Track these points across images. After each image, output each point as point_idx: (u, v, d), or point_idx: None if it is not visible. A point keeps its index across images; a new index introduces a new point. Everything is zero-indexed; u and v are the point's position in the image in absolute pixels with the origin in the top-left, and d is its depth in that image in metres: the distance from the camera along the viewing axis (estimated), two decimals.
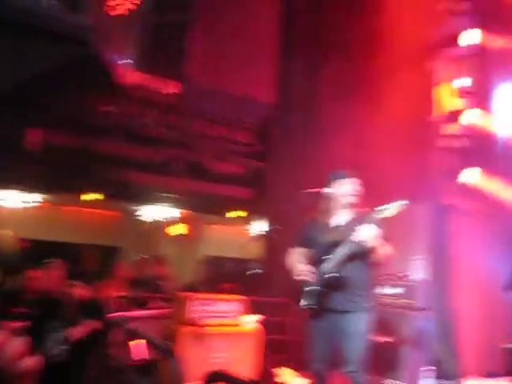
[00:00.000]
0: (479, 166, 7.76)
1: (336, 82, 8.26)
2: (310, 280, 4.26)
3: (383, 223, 4.07)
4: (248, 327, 6.25)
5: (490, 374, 7.46)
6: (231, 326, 6.17)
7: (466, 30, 7.80)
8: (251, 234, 11.52)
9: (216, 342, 5.93)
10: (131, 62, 9.31)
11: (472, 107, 7.81)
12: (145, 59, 9.93)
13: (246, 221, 13.12)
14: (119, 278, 6.91)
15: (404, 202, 3.94)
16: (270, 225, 6.79)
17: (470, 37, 7.79)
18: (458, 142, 7.69)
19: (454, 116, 7.87)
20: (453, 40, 7.94)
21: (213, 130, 10.66)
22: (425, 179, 7.66)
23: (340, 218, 4.41)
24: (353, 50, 8.16)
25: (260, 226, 10.43)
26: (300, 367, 6.60)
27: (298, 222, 4.98)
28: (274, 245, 7.46)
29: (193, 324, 5.85)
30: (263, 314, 5.83)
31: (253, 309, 6.37)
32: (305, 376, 6.26)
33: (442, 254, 7.51)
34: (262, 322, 5.85)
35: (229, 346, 6.00)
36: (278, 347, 6.95)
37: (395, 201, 3.95)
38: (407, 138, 7.44)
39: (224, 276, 12.87)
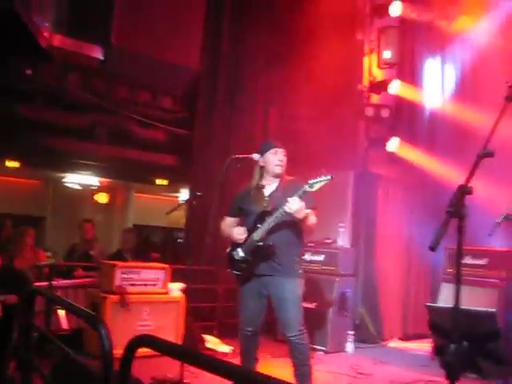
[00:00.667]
0: (405, 136, 7.92)
1: (264, 48, 8.20)
2: (243, 238, 4.33)
3: (312, 194, 4.14)
4: (174, 295, 6.25)
5: (412, 336, 7.75)
6: (157, 294, 6.15)
7: (394, 0, 7.87)
8: (178, 202, 11.46)
9: (142, 310, 5.91)
10: (54, 25, 8.93)
11: (398, 78, 7.93)
12: (68, 22, 9.55)
13: (173, 189, 13.01)
14: (29, 246, 6.69)
15: (330, 177, 4.01)
16: (194, 192, 6.70)
17: (397, 8, 7.88)
18: (385, 111, 7.80)
19: (381, 86, 7.97)
20: (382, 11, 8.01)
21: (137, 96, 10.45)
22: (353, 148, 7.77)
23: (271, 187, 4.46)
24: (282, 17, 8.10)
25: (186, 194, 10.38)
26: (225, 334, 6.66)
27: (224, 189, 4.95)
28: (197, 212, 7.42)
29: (119, 292, 5.79)
30: (189, 282, 5.81)
31: (178, 277, 6.36)
32: (229, 343, 6.34)
33: (367, 220, 7.68)
34: (188, 290, 5.83)
35: (155, 314, 5.99)
36: (204, 315, 6.96)
37: (325, 174, 4.01)
38: (336, 107, 7.49)
39: (151, 245, 12.79)
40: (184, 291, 6.16)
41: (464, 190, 2.24)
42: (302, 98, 7.71)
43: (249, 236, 4.31)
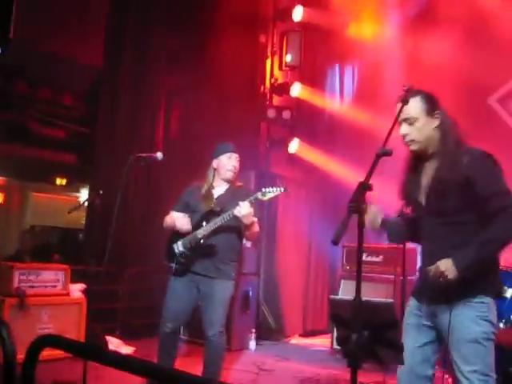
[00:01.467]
0: (305, 138, 8.13)
1: (167, 48, 8.17)
2: (186, 229, 4.34)
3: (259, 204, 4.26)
4: (74, 296, 6.09)
5: (312, 333, 7.96)
6: (57, 295, 5.96)
7: (297, 5, 8.06)
8: (78, 202, 11.19)
9: (42, 313, 5.72)
10: None
11: (299, 81, 8.12)
12: None
13: (72, 188, 12.68)
14: None
15: (283, 189, 4.11)
16: (96, 190, 6.57)
17: (299, 13, 8.07)
18: (287, 113, 7.96)
19: (283, 88, 8.13)
20: (285, 15, 8.17)
21: (37, 93, 10.13)
22: (254, 148, 7.87)
23: (220, 189, 4.48)
24: (186, 18, 8.09)
25: (86, 194, 10.16)
26: (127, 335, 6.58)
27: (127, 188, 4.90)
28: (98, 211, 7.29)
29: (17, 295, 5.57)
30: (90, 283, 5.70)
31: (79, 278, 6.22)
32: (131, 344, 6.27)
33: (269, 220, 7.81)
34: (89, 291, 5.71)
35: (55, 316, 5.80)
36: (106, 316, 6.84)
37: (279, 186, 4.13)
38: (238, 108, 7.58)
39: (50, 246, 12.37)
40: (84, 292, 6.03)
41: (364, 187, 2.35)
42: (205, 98, 7.75)
43: (192, 233, 4.32)
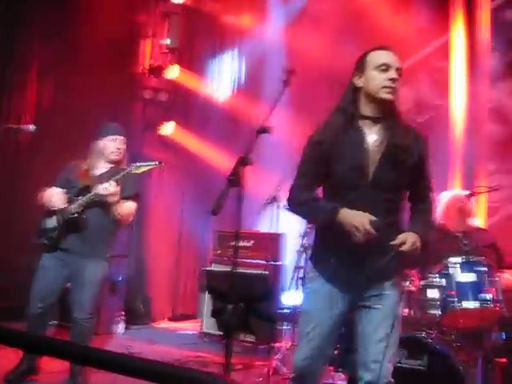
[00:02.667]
0: (180, 121, 8.10)
1: (39, 19, 7.77)
2: (60, 205, 4.18)
3: (137, 181, 4.29)
4: None
5: (181, 317, 7.97)
6: None
7: None
8: None
9: None
10: None
11: (178, 64, 8.06)
12: None
13: None
14: None
15: (158, 163, 4.07)
16: None
17: None
18: (163, 95, 7.89)
19: (160, 70, 8.04)
20: None
21: None
22: (128, 129, 7.69)
23: (103, 168, 4.38)
24: None
25: None
26: None
27: None
28: None
29: None
30: None
31: None
32: None
33: (141, 203, 7.68)
34: None
35: None
36: None
37: (150, 160, 4.08)
38: (113, 86, 7.38)
39: None
40: None
41: (244, 161, 2.40)
42: (79, 74, 7.46)
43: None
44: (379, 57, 2.83)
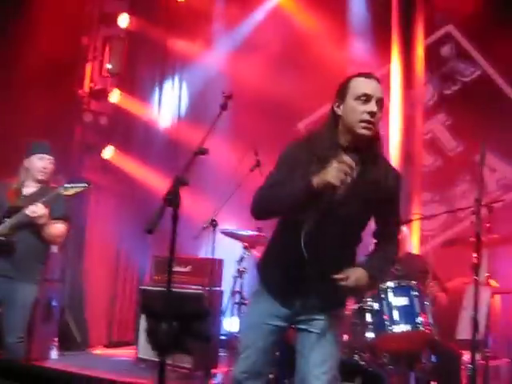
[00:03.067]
0: (120, 146, 8.05)
1: None
2: None
3: (65, 204, 4.19)
4: None
5: (117, 343, 7.82)
6: None
7: (122, 12, 7.99)
8: None
9: None
10: None
11: (119, 88, 8.04)
12: None
13: None
14: None
15: (87, 184, 4.00)
16: None
17: (124, 20, 8.01)
18: (104, 119, 7.85)
19: (102, 94, 8.00)
20: (110, 20, 8.06)
21: None
22: (67, 152, 7.63)
23: (31, 188, 4.30)
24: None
25: None
26: None
27: None
28: None
29: None
30: None
31: None
32: None
33: (77, 226, 7.58)
34: None
35: None
36: None
37: (80, 180, 4.00)
38: (54, 110, 7.28)
39: None
40: None
41: (180, 181, 2.42)
42: (17, 97, 7.34)
43: None
44: (360, 85, 2.70)
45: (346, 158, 2.53)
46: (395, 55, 7.71)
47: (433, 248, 6.98)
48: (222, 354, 5.98)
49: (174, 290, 2.31)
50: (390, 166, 2.87)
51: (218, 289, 6.31)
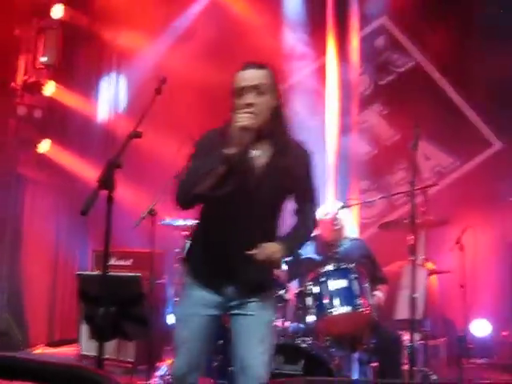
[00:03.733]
0: (57, 139, 7.87)
1: None
2: None
3: None
4: None
5: (59, 342, 7.65)
6: None
7: (55, 3, 7.78)
8: None
9: None
10: None
11: (54, 80, 7.84)
12: None
13: None
14: None
15: None
16: None
17: (59, 11, 7.80)
18: (38, 112, 7.64)
19: (36, 87, 7.78)
20: (43, 11, 7.83)
21: None
22: (1, 148, 7.44)
23: None
24: None
25: None
26: None
27: None
28: None
29: None
30: None
31: None
32: None
33: (13, 223, 7.40)
34: None
35: None
36: None
37: None
38: None
39: None
40: None
41: (113, 164, 2.39)
42: None
43: None
44: (236, 81, 2.76)
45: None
46: (331, 47, 7.85)
47: (371, 234, 7.18)
48: (166, 347, 5.96)
49: (111, 274, 2.28)
50: (300, 149, 2.90)
51: (161, 281, 6.27)
